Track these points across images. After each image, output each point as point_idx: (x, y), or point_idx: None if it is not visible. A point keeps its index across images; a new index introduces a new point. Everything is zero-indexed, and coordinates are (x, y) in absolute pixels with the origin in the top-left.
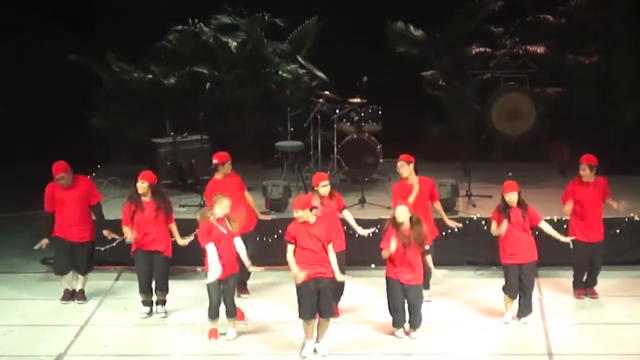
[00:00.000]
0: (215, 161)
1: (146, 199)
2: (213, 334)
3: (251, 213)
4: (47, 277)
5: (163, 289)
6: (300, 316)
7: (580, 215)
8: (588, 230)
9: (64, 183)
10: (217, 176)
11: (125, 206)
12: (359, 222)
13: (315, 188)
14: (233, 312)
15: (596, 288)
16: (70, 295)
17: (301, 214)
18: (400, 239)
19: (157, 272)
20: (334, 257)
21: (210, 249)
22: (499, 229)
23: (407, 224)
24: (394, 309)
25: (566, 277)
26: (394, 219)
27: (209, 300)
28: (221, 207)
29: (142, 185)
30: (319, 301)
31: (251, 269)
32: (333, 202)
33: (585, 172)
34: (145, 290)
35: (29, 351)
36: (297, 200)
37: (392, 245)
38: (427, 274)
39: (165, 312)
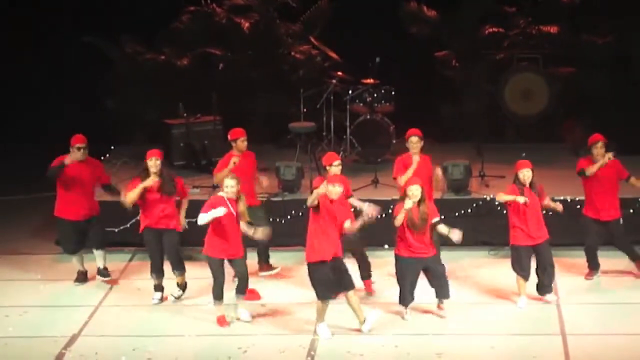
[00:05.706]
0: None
1: (155, 178)
2: (222, 321)
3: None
4: (61, 258)
5: (179, 267)
6: (318, 297)
7: (591, 193)
8: (599, 209)
9: (80, 155)
10: (234, 152)
11: (134, 179)
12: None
13: (328, 168)
14: (243, 291)
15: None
16: (84, 277)
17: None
18: (407, 219)
19: (168, 249)
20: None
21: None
22: (517, 198)
23: (415, 203)
24: (402, 285)
25: (579, 257)
26: (405, 194)
27: (213, 279)
28: (225, 188)
29: (156, 163)
30: (338, 279)
31: (257, 235)
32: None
33: (599, 151)
34: (157, 270)
35: (43, 332)
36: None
37: (398, 219)
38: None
39: (182, 294)
